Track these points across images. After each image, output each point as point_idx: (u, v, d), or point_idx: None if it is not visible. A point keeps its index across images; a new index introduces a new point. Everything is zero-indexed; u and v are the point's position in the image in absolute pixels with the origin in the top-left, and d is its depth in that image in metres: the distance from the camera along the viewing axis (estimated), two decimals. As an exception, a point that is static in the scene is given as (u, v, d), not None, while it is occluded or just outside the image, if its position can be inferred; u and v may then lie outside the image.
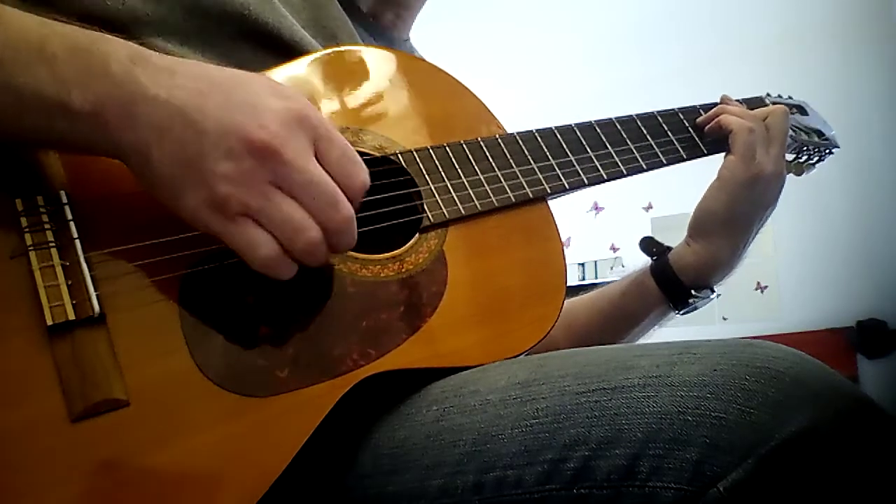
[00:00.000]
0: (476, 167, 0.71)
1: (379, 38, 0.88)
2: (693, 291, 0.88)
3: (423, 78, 0.78)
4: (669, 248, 0.90)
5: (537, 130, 0.77)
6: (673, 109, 0.89)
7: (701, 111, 0.91)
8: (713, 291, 0.90)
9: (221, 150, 0.49)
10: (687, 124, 0.88)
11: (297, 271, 0.53)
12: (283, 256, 0.51)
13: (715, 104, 0.93)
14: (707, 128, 0.89)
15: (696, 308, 0.89)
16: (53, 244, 0.51)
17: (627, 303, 0.91)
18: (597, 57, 3.47)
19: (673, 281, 0.88)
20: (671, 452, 0.43)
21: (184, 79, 0.51)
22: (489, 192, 0.70)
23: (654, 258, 0.90)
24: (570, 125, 0.80)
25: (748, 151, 0.85)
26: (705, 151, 0.88)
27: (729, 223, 0.87)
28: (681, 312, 0.90)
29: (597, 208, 3.47)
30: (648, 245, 0.91)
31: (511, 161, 0.74)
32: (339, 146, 0.53)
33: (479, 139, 0.73)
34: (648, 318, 0.91)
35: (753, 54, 2.86)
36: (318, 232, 0.51)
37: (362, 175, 0.54)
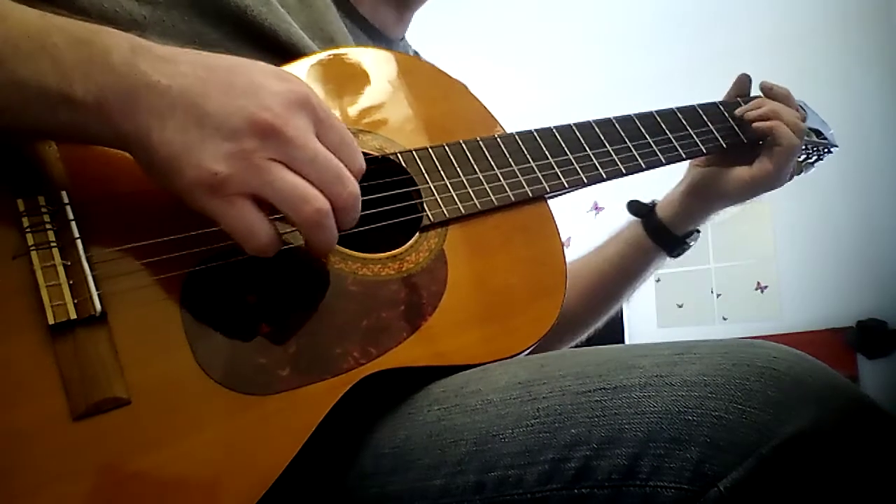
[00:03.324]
0: (475, 166, 0.71)
1: (376, 39, 0.88)
2: (686, 238, 0.98)
3: (422, 79, 0.78)
4: (655, 204, 0.99)
5: (536, 130, 0.77)
6: (671, 108, 0.89)
7: (699, 110, 0.91)
8: (699, 232, 1.00)
9: (224, 131, 0.49)
10: (685, 123, 0.89)
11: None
12: (279, 242, 0.52)
13: (714, 103, 0.94)
14: (755, 124, 0.92)
15: (689, 248, 1.00)
16: (55, 244, 0.51)
17: (628, 263, 0.99)
18: (598, 56, 3.48)
19: (668, 235, 0.97)
20: (672, 452, 0.43)
21: (185, 66, 0.51)
22: (489, 191, 0.70)
23: (645, 218, 0.98)
24: (569, 125, 0.80)
25: (788, 168, 0.92)
26: (704, 151, 0.89)
27: (734, 204, 0.96)
28: (675, 255, 1.00)
29: (597, 208, 3.47)
30: (637, 208, 1.00)
31: (510, 160, 0.74)
32: (338, 131, 0.54)
33: (479, 139, 0.73)
34: (648, 270, 1.01)
35: (753, 54, 2.86)
36: (327, 203, 0.52)
37: (359, 160, 0.55)
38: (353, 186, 0.53)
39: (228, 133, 0.49)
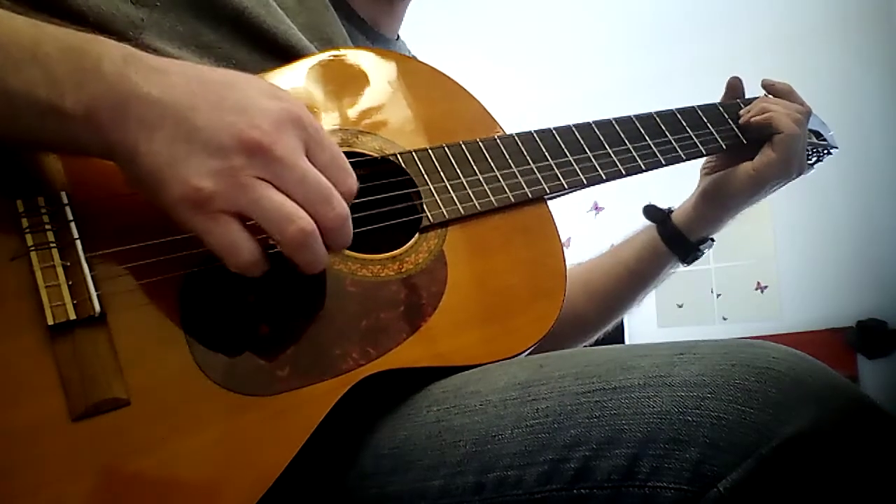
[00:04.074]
0: (475, 167, 0.71)
1: (374, 40, 0.88)
2: (699, 245, 0.99)
3: (421, 80, 0.78)
4: (671, 211, 0.99)
5: (536, 131, 0.77)
6: (671, 110, 0.89)
7: (698, 111, 0.91)
8: (713, 240, 1.01)
9: (211, 147, 0.49)
10: (685, 124, 0.89)
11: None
12: (263, 260, 0.51)
13: (714, 104, 0.94)
14: (753, 120, 0.92)
15: (701, 256, 1.01)
16: (54, 244, 0.51)
17: (643, 267, 1.00)
18: (598, 57, 3.48)
19: (684, 242, 0.98)
20: (671, 452, 0.43)
21: (177, 78, 0.51)
22: (488, 192, 0.70)
23: (661, 224, 0.99)
24: (569, 126, 0.80)
25: (791, 156, 0.91)
26: (703, 152, 0.89)
27: (748, 204, 0.97)
28: (687, 262, 1.00)
29: (597, 208, 3.47)
30: (653, 213, 1.00)
31: (510, 161, 0.74)
32: (329, 150, 0.53)
33: (478, 140, 0.73)
34: (661, 275, 1.01)
35: (753, 54, 2.86)
36: (312, 224, 0.51)
37: (350, 181, 0.54)
38: (341, 207, 0.52)
39: (216, 149, 0.49)
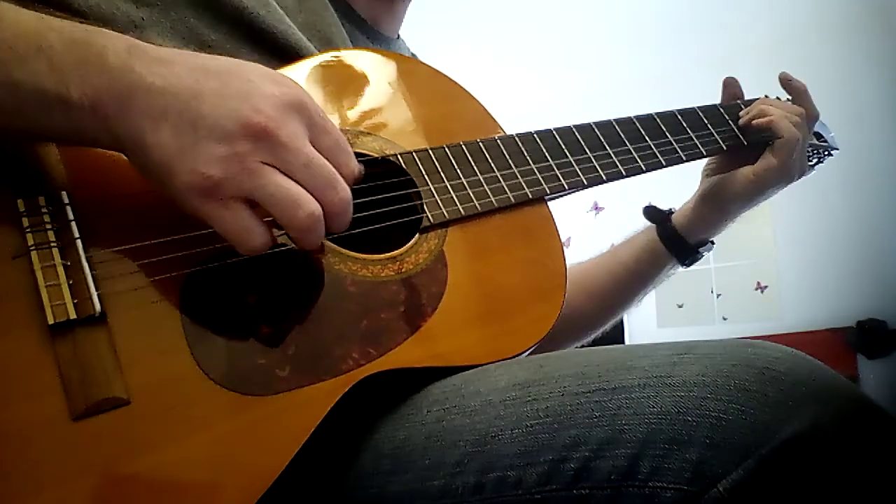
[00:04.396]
0: (475, 168, 0.71)
1: (373, 39, 0.89)
2: (699, 248, 0.99)
3: (422, 80, 0.79)
4: (671, 212, 1.00)
5: (536, 132, 0.77)
6: (671, 111, 0.89)
7: (699, 112, 0.91)
8: (713, 243, 1.00)
9: (217, 134, 0.49)
10: (685, 125, 0.89)
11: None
12: (271, 242, 0.52)
13: (714, 105, 0.94)
14: (753, 122, 0.92)
15: (700, 258, 1.01)
16: (55, 244, 0.51)
17: (642, 268, 1.00)
18: (599, 57, 3.48)
19: (683, 244, 0.98)
20: (671, 453, 0.43)
21: (181, 67, 0.51)
22: (488, 192, 0.70)
23: (660, 225, 0.99)
24: (569, 126, 0.80)
25: (791, 161, 0.92)
26: (704, 153, 0.89)
27: (748, 207, 0.97)
28: (686, 265, 1.01)
29: (597, 208, 3.47)
30: (653, 214, 1.00)
31: (510, 162, 0.74)
32: (332, 135, 0.54)
33: (479, 140, 0.73)
34: (660, 276, 1.02)
35: (754, 54, 2.86)
36: (319, 208, 0.52)
37: (353, 164, 0.55)
38: (345, 192, 0.53)
39: (221, 136, 0.49)
